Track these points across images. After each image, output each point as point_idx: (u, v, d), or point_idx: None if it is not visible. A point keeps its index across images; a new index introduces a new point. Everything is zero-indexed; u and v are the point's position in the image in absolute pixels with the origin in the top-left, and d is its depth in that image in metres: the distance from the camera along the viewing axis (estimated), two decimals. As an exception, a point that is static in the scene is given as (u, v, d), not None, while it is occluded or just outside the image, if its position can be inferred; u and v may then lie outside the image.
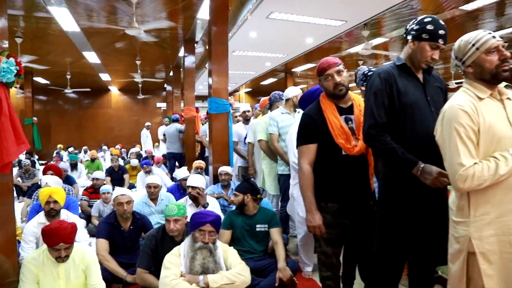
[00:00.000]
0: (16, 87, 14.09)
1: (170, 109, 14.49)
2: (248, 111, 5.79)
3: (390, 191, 2.12)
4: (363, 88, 3.02)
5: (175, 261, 2.52)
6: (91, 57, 9.83)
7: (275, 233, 3.38)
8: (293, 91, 4.20)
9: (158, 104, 17.78)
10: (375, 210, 2.35)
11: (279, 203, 4.51)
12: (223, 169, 4.62)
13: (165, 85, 15.15)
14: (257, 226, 3.43)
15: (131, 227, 3.46)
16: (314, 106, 2.43)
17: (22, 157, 13.74)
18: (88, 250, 2.70)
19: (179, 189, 4.97)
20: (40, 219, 3.44)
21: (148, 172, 7.25)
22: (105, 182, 5.97)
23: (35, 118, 12.91)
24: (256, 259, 3.37)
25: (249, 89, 18.07)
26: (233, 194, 3.60)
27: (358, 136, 2.30)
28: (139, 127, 17.50)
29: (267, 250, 3.55)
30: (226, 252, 2.66)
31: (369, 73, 3.02)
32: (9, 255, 2.63)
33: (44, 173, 4.99)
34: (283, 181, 4.23)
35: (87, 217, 5.18)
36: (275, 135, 4.21)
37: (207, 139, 7.05)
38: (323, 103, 2.38)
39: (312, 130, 2.34)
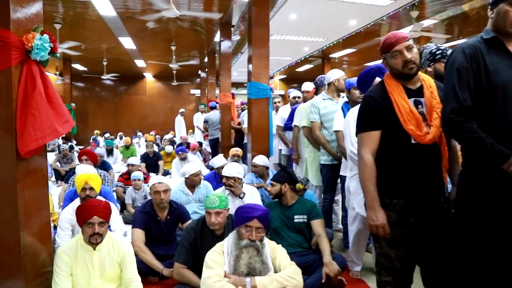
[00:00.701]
0: (56, 74, 14.42)
1: (204, 96, 14.44)
2: (299, 97, 5.47)
3: (471, 191, 1.79)
4: (430, 69, 2.66)
5: (218, 259, 2.28)
6: (127, 42, 9.78)
7: (317, 225, 3.11)
8: (335, 74, 3.86)
9: (192, 91, 17.74)
10: (446, 208, 2.04)
11: (322, 195, 4.23)
12: (256, 160, 4.38)
13: (199, 72, 15.05)
14: (295, 217, 3.18)
15: (168, 217, 3.28)
16: (378, 87, 2.11)
17: (60, 141, 14.19)
18: (123, 241, 2.53)
19: (216, 178, 4.77)
20: (76, 206, 3.33)
21: (184, 159, 7.11)
22: (140, 168, 5.86)
23: (73, 104, 13.11)
24: (300, 254, 3.12)
25: (284, 76, 17.68)
26: (270, 184, 3.36)
27: (430, 122, 1.97)
28: (173, 114, 17.56)
29: (311, 246, 3.29)
30: (274, 251, 2.39)
31: (437, 52, 2.65)
32: (45, 243, 2.49)
33: (80, 158, 4.91)
34: (326, 172, 3.94)
35: (122, 203, 5.08)
36: (317, 123, 3.91)
37: (245, 126, 6.86)
38: (388, 84, 2.05)
39: (375, 114, 2.02)
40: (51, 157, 9.05)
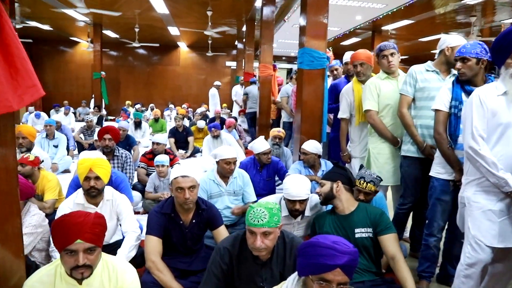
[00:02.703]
0: (87, 41, 13.86)
1: (240, 69, 13.52)
2: (337, 69, 4.50)
3: None
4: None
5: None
6: (159, 6, 8.93)
7: (389, 243, 2.24)
8: (453, 40, 2.74)
9: (228, 63, 16.85)
10: None
11: (395, 200, 3.32)
12: (306, 147, 3.52)
13: (236, 42, 14.10)
14: (357, 230, 2.31)
15: (194, 221, 2.48)
16: None
17: (81, 109, 13.76)
18: (126, 269, 1.71)
19: (256, 165, 3.92)
20: (78, 199, 2.58)
21: (216, 137, 6.30)
22: (167, 146, 5.00)
23: (103, 73, 12.55)
24: (371, 285, 2.27)
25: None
26: (319, 184, 2.47)
27: None
28: (206, 86, 16.83)
29: (381, 270, 2.43)
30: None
31: None
32: (16, 263, 1.74)
33: (100, 136, 4.12)
34: (407, 167, 2.96)
35: (143, 187, 4.34)
36: (408, 98, 2.90)
37: (291, 103, 5.94)
38: None
39: None
40: (77, 127, 8.53)
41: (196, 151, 7.44)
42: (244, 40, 13.37)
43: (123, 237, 2.60)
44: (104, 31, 12.84)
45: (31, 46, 15.71)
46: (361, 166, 2.83)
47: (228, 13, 10.03)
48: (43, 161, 3.55)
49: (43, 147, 6.16)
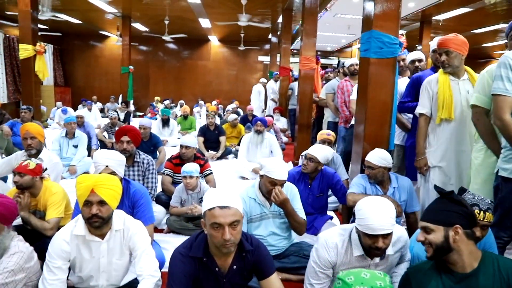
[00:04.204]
0: (116, 35, 13.45)
1: (273, 63, 12.77)
2: (420, 59, 3.67)
3: None
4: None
5: None
6: (190, -6, 8.30)
7: None
8: None
9: (260, 58, 16.09)
10: None
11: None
12: (371, 158, 2.76)
13: (270, 36, 13.32)
14: None
15: (234, 267, 1.76)
16: None
17: (110, 105, 13.32)
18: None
19: (305, 176, 3.14)
20: (77, 229, 1.90)
21: (259, 133, 5.48)
22: (196, 149, 4.23)
23: (131, 67, 12.06)
24: None
25: (365, 44, 15.33)
26: (421, 230, 1.66)
27: None
28: (238, 82, 16.21)
29: None
30: None
31: None
32: None
33: (117, 138, 3.45)
34: (508, 192, 2.16)
35: (168, 199, 3.66)
36: (510, 98, 2.10)
37: (337, 101, 5.13)
38: None
39: None
40: (104, 123, 8.02)
41: (227, 152, 6.75)
42: (278, 33, 12.62)
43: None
44: (133, 24, 12.35)
45: (62, 40, 15.50)
46: (462, 190, 2.02)
47: (263, 3, 9.27)
48: (46, 169, 2.92)
49: (61, 147, 5.63)
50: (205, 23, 11.87)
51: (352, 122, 4.67)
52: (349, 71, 5.09)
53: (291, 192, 2.64)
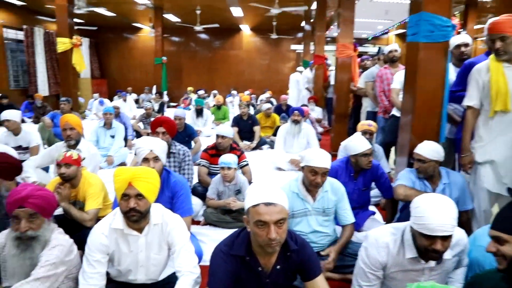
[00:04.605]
0: (149, 26, 13.56)
1: (307, 52, 12.50)
2: (466, 44, 3.39)
3: None
4: None
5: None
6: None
7: None
8: None
9: (293, 46, 15.83)
10: None
11: None
12: (421, 151, 2.56)
13: (303, 24, 13.04)
14: None
15: (278, 267, 1.66)
16: None
17: (144, 96, 13.50)
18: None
19: (349, 170, 2.98)
20: (115, 222, 1.86)
21: (296, 123, 5.27)
22: (232, 140, 4.14)
23: (164, 58, 12.14)
24: None
25: (402, 31, 14.72)
26: (493, 240, 1.48)
27: None
28: (270, 72, 16.03)
29: None
30: None
31: None
32: None
33: (153, 129, 3.41)
34: None
35: (204, 190, 3.60)
36: None
37: (376, 89, 4.90)
38: None
39: None
40: (139, 114, 8.10)
41: (262, 142, 6.65)
42: (312, 20, 12.31)
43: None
44: (165, 15, 12.40)
45: (97, 33, 15.83)
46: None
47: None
48: (84, 158, 2.92)
49: (98, 137, 5.72)
50: (236, 12, 11.74)
51: (393, 112, 4.44)
52: (388, 58, 4.84)
53: (338, 191, 2.49)
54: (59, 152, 3.15)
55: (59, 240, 1.84)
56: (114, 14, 12.72)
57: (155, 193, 1.84)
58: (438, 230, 1.56)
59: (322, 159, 2.28)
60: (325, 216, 2.46)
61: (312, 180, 2.32)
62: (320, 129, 8.05)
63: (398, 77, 4.34)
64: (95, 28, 15.51)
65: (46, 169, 4.05)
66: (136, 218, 1.79)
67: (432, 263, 1.74)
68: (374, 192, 3.41)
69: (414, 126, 2.74)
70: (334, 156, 5.30)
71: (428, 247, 1.62)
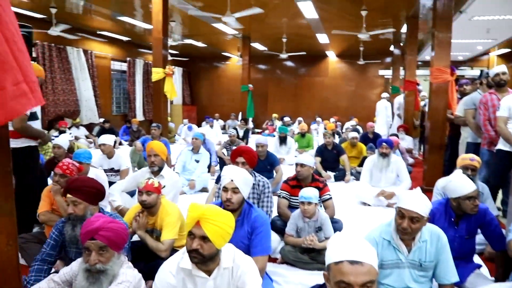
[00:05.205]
0: (237, 55, 14.08)
1: (396, 77, 11.89)
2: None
3: None
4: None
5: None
6: (308, 10, 8.15)
7: None
8: None
9: (381, 72, 15.21)
10: None
11: None
12: None
13: (392, 48, 12.48)
14: None
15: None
16: None
17: (230, 122, 13.90)
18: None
19: (449, 214, 2.53)
20: (184, 262, 1.75)
21: (385, 156, 4.84)
22: (313, 169, 3.90)
23: (250, 86, 12.43)
24: None
25: (507, 50, 13.30)
26: None
27: None
28: (356, 98, 15.57)
29: None
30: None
31: None
32: None
33: (233, 159, 3.35)
34: None
35: (283, 225, 3.40)
36: None
37: (480, 117, 4.33)
38: None
39: None
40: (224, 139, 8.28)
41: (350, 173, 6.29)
42: (401, 44, 11.73)
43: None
44: (252, 44, 12.78)
45: (190, 63, 16.90)
46: None
47: (385, 12, 8.67)
48: (164, 186, 2.94)
49: (185, 160, 5.89)
50: (322, 38, 11.66)
51: (499, 145, 3.88)
52: (494, 82, 4.28)
53: (438, 241, 2.09)
54: (143, 177, 3.23)
55: (126, 276, 1.80)
56: (205, 45, 13.47)
57: (224, 238, 1.69)
58: None
59: (413, 202, 1.96)
60: (422, 271, 2.09)
61: (399, 224, 2.01)
62: (411, 160, 7.43)
63: (506, 103, 3.82)
64: (187, 58, 16.58)
65: (131, 193, 4.21)
66: (197, 260, 1.66)
67: None
68: (477, 238, 2.91)
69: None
70: (427, 192, 4.80)
71: None
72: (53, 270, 2.36)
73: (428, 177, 5.44)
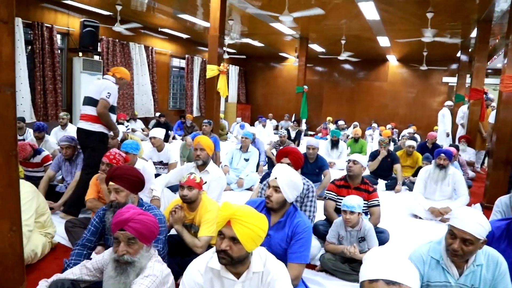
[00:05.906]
0: (294, 56, 13.95)
1: (462, 85, 11.16)
2: None
3: None
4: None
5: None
6: (370, 11, 7.84)
7: None
8: None
9: (445, 79, 14.35)
10: None
11: None
12: None
13: (459, 54, 11.71)
14: None
15: None
16: None
17: (283, 123, 13.80)
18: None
19: (509, 234, 2.30)
20: (213, 262, 1.69)
21: (442, 167, 4.51)
22: (364, 168, 3.66)
23: (305, 87, 12.24)
24: None
25: None
26: None
27: None
28: (416, 106, 14.84)
29: None
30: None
31: None
32: None
33: (278, 159, 3.25)
34: None
35: (326, 231, 3.24)
36: None
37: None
38: None
39: None
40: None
41: (402, 183, 5.96)
42: (470, 50, 10.98)
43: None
44: (310, 45, 12.57)
45: (246, 62, 17.03)
46: None
47: (453, 15, 8.12)
48: (205, 182, 2.93)
49: (233, 158, 5.91)
50: (383, 41, 11.20)
51: None
52: None
53: (497, 268, 1.86)
54: (188, 171, 3.25)
55: (153, 270, 1.78)
56: (263, 44, 13.47)
57: (255, 241, 1.61)
58: None
59: (468, 221, 1.75)
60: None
61: (449, 244, 1.81)
62: (472, 174, 6.89)
63: None
64: (244, 57, 16.72)
65: (174, 189, 4.20)
66: (225, 262, 1.60)
67: None
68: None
69: None
70: (488, 209, 4.42)
71: None
72: (93, 255, 2.43)
73: (490, 193, 5.01)
